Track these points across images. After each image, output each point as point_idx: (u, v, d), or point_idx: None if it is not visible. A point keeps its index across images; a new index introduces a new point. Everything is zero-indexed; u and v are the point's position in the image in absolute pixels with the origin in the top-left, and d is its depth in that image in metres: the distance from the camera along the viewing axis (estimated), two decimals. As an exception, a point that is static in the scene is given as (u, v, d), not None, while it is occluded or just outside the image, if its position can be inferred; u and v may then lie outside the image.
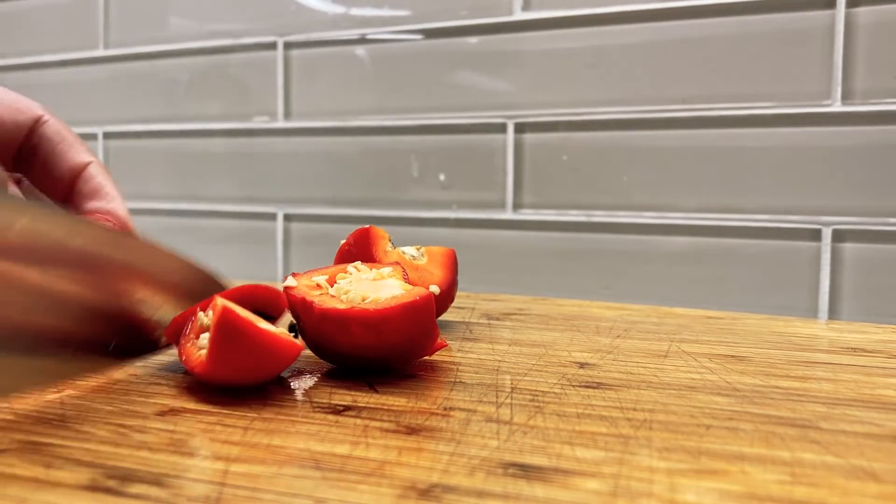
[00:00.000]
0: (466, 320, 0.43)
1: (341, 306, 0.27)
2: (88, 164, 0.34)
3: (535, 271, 0.63)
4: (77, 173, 0.33)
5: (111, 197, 0.34)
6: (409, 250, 0.38)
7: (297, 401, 0.26)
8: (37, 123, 0.34)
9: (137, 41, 0.80)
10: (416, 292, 0.28)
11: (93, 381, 0.28)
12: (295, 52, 0.71)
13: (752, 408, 0.25)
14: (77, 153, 0.34)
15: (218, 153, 0.76)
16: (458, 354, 0.33)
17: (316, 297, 0.28)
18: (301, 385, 0.28)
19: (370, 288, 0.30)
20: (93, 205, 0.34)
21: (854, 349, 0.36)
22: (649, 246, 0.60)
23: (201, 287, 0.31)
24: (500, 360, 0.32)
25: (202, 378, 0.26)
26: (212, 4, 0.75)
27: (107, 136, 0.82)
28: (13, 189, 0.32)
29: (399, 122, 0.68)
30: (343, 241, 0.38)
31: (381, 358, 0.29)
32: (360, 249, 0.36)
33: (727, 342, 0.37)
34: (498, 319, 0.45)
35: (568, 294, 0.60)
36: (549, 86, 0.62)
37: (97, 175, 0.34)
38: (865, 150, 0.54)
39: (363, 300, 0.28)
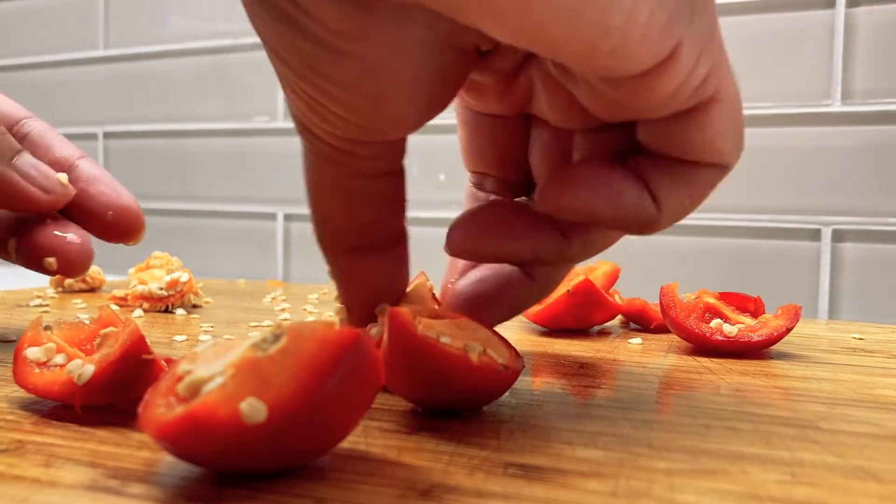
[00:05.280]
0: (466, 320, 0.43)
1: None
2: (80, 157, 0.34)
3: (535, 271, 0.63)
4: (69, 164, 0.33)
5: (114, 182, 0.34)
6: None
7: (297, 401, 0.26)
8: (19, 123, 0.34)
9: (137, 41, 0.80)
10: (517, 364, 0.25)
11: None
12: (295, 52, 0.71)
13: (752, 408, 0.25)
14: (66, 147, 0.34)
15: (218, 153, 0.76)
16: (458, 354, 0.33)
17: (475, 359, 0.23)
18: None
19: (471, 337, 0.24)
20: (99, 189, 0.33)
21: (854, 349, 0.36)
22: (649, 246, 0.60)
23: None
24: (500, 360, 0.32)
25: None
26: (212, 4, 0.75)
27: (107, 136, 0.82)
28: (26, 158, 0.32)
29: (399, 122, 0.68)
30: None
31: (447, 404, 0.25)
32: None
33: (727, 342, 0.37)
34: (498, 319, 0.45)
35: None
36: (549, 86, 0.62)
37: (91, 165, 0.34)
38: (865, 150, 0.54)
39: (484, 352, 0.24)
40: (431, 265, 0.68)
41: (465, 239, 0.24)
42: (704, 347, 0.34)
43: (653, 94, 0.19)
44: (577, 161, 0.24)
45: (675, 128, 0.21)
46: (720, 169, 0.22)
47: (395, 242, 0.24)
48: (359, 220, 0.23)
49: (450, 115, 0.61)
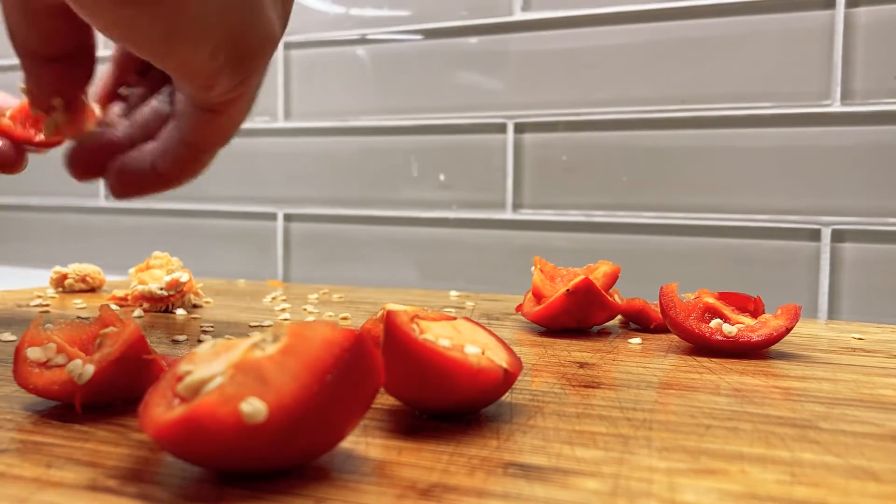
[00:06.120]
0: (466, 320, 0.43)
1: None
2: None
3: (535, 271, 0.63)
4: None
5: None
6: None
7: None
8: None
9: (137, 41, 0.80)
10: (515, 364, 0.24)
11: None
12: (295, 52, 0.71)
13: (751, 408, 0.25)
14: None
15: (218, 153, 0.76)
16: (458, 354, 0.33)
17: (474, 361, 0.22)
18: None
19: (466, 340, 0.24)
20: None
21: (854, 349, 0.36)
22: (649, 246, 0.60)
23: None
24: (499, 360, 0.32)
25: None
26: (212, 4, 0.75)
27: (107, 136, 0.82)
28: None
29: (399, 122, 0.68)
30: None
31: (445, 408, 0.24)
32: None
33: (727, 342, 0.37)
34: (498, 319, 0.45)
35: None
36: (549, 86, 0.62)
37: None
38: (865, 150, 0.54)
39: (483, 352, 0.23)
40: (432, 265, 0.69)
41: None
42: (704, 347, 0.34)
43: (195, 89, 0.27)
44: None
45: (201, 117, 0.29)
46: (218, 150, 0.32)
47: (76, 55, 0.30)
48: (42, 38, 0.29)
49: (451, 117, 0.60)
